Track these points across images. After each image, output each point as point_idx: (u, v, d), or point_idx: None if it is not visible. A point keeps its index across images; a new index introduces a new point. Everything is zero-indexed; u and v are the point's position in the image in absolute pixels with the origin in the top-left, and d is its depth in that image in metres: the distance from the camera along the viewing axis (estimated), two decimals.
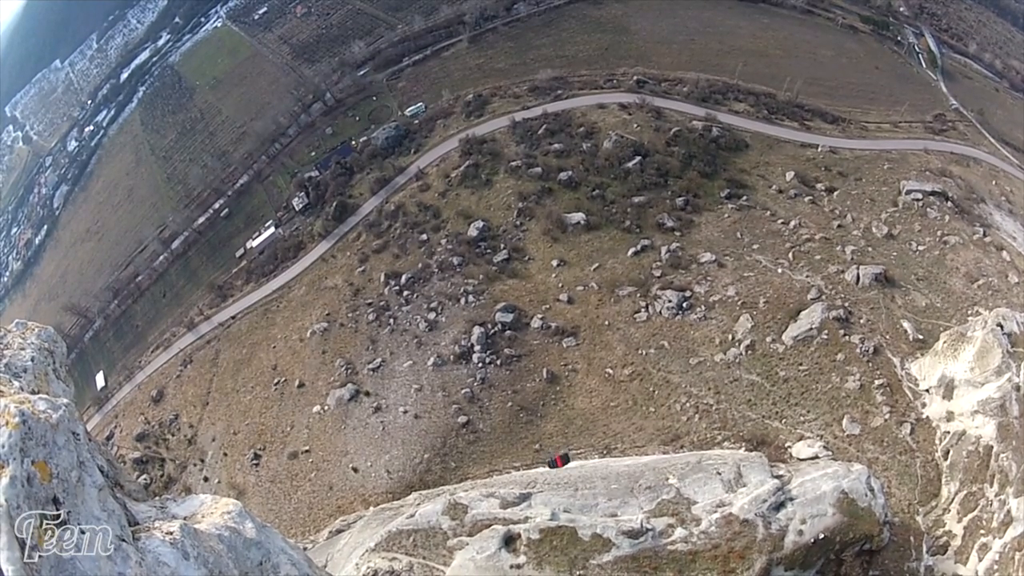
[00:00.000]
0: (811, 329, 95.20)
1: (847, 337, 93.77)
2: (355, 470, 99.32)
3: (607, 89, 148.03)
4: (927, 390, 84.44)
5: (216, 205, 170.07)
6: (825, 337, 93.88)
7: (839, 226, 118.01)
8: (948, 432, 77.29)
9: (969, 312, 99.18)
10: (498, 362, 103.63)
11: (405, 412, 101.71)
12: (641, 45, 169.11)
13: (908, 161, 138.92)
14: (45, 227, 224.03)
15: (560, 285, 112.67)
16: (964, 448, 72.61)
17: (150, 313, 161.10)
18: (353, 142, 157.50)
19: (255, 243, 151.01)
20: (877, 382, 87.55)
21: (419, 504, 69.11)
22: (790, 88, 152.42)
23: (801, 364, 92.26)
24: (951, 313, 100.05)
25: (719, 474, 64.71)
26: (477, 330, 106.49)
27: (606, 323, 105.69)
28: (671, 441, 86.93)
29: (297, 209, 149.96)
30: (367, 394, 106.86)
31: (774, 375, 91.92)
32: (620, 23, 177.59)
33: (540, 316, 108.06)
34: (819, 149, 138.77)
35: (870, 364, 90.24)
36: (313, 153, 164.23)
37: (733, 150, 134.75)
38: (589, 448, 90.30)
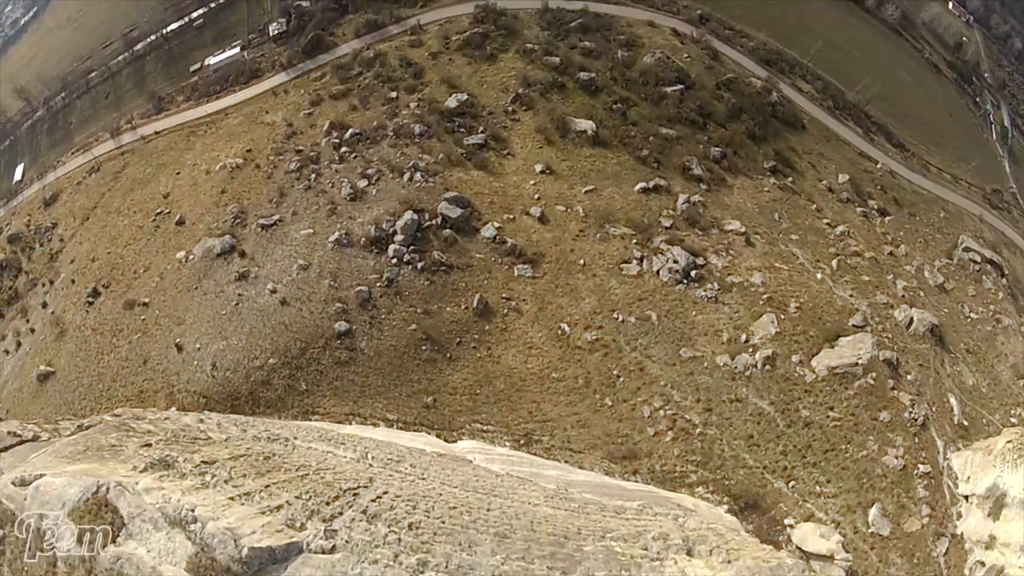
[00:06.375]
0: (856, 364, 60.27)
1: (896, 392, 58.89)
2: (179, 348, 62.92)
3: (663, 11, 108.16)
4: (966, 497, 53.86)
5: (194, 14, 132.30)
6: (871, 382, 59.32)
7: (890, 253, 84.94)
8: (982, 563, 50.15)
9: (1012, 411, 67.92)
10: (419, 265, 66.01)
11: (273, 292, 64.72)
12: None
13: (963, 220, 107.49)
14: (35, 9, 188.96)
15: (536, 196, 75.25)
16: None
17: (87, 112, 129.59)
18: None
19: (213, 60, 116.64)
20: (922, 468, 54.32)
21: None
22: (862, 92, 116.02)
23: (832, 408, 57.18)
24: (995, 405, 68.60)
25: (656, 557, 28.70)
26: (409, 215, 68.71)
27: (580, 262, 68.86)
28: (621, 458, 50.38)
29: (271, 35, 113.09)
30: (242, 254, 70.30)
31: (793, 411, 56.47)
32: None
33: (497, 225, 70.63)
34: (879, 165, 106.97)
35: (916, 440, 56.31)
36: None
37: (789, 125, 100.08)
38: (501, 428, 53.38)
